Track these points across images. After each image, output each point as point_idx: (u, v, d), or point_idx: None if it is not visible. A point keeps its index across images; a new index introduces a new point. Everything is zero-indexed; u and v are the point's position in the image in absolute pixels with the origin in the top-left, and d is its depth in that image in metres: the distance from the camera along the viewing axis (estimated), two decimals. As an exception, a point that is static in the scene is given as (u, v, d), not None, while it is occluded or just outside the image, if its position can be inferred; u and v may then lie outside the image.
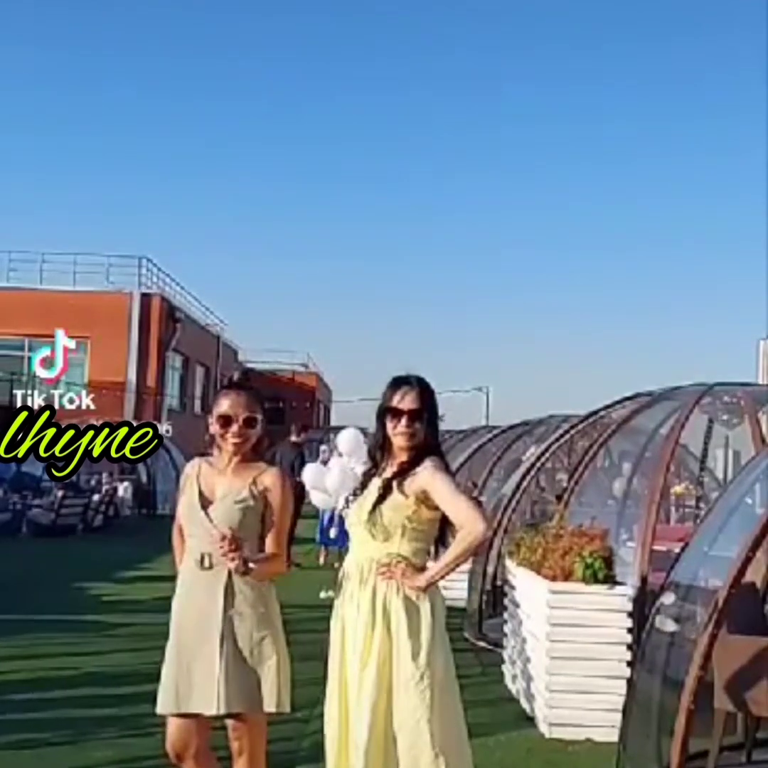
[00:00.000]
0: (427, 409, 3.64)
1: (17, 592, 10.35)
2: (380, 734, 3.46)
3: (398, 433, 3.62)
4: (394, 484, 3.57)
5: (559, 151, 70.28)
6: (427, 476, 3.55)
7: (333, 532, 9.46)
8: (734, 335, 65.94)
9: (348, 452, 9.86)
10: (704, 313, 74.65)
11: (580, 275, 75.24)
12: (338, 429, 16.31)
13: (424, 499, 3.55)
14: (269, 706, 3.60)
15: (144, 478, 22.56)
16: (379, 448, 3.73)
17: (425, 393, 3.68)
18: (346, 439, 10.06)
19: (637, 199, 71.34)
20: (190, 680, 3.56)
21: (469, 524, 3.46)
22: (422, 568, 3.57)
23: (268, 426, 3.79)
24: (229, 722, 3.65)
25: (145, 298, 29.33)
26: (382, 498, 3.57)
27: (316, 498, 10.96)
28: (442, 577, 3.58)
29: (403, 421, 3.60)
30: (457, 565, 3.57)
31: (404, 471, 3.59)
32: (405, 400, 3.62)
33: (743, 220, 70.43)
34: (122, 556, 13.89)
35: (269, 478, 3.69)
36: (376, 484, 3.64)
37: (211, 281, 74.07)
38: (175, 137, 63.85)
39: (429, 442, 3.65)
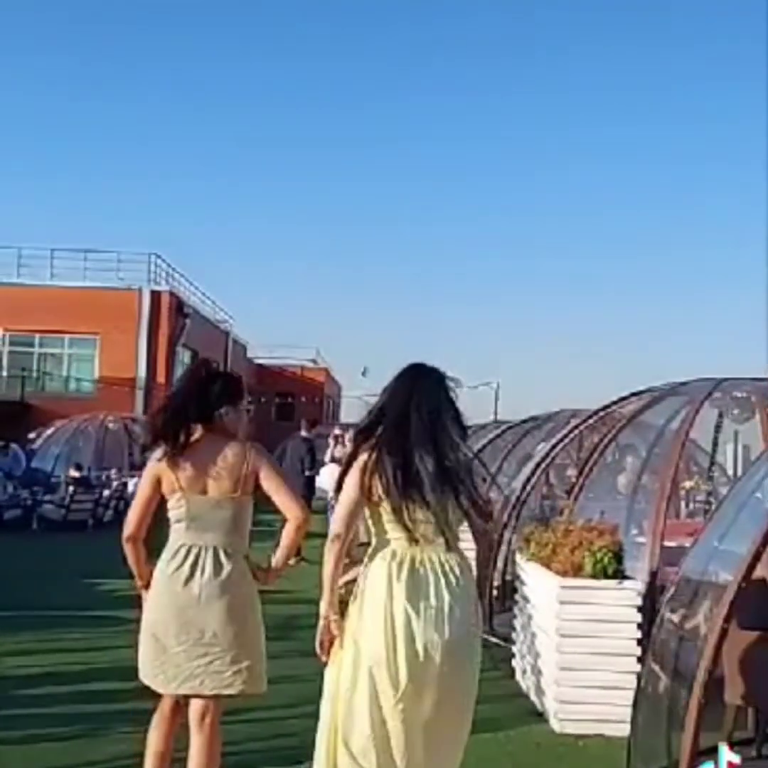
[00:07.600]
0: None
1: (28, 587, 10.38)
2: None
3: None
4: None
5: (563, 145, 70.07)
6: None
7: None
8: (742, 331, 65.55)
9: None
10: (713, 309, 74.28)
11: (589, 270, 75.02)
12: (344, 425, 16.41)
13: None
14: None
15: (154, 474, 22.57)
16: None
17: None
18: None
19: (647, 194, 70.99)
20: None
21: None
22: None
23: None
24: None
25: (155, 294, 29.41)
26: None
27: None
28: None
29: None
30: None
31: None
32: None
33: (754, 217, 70.07)
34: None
35: None
36: None
37: (220, 277, 74.04)
38: (183, 135, 63.86)
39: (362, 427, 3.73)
